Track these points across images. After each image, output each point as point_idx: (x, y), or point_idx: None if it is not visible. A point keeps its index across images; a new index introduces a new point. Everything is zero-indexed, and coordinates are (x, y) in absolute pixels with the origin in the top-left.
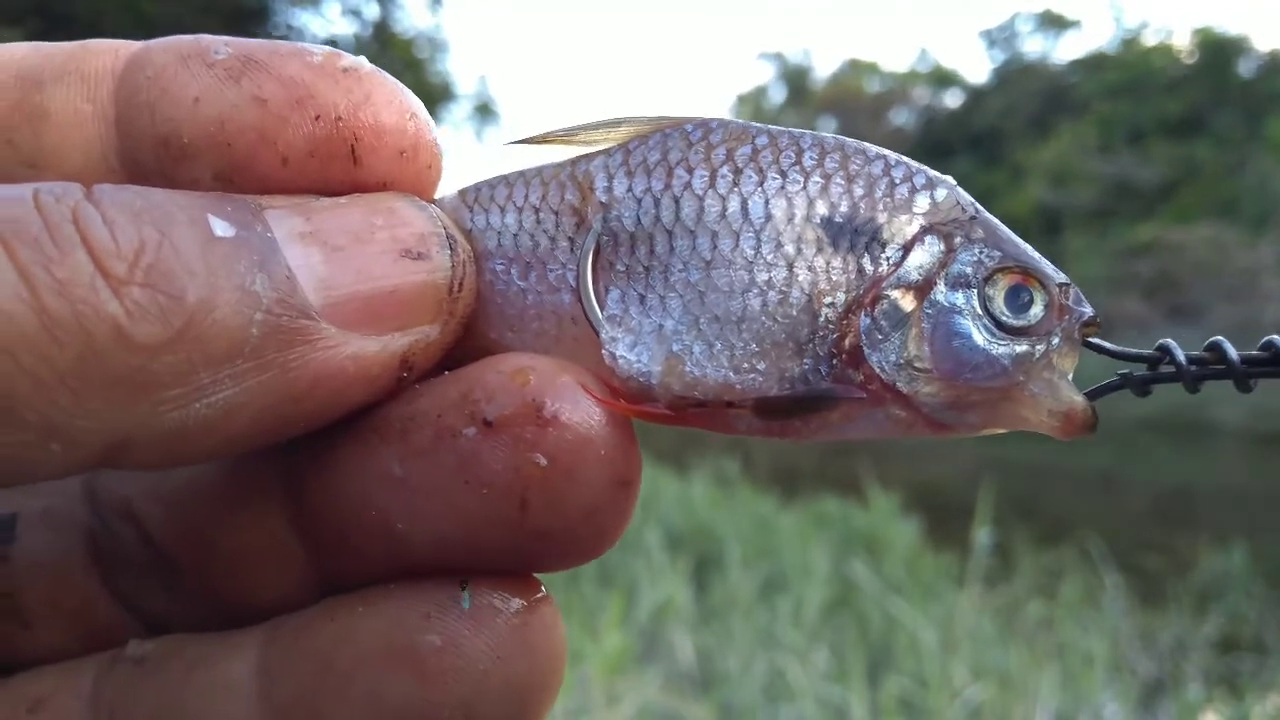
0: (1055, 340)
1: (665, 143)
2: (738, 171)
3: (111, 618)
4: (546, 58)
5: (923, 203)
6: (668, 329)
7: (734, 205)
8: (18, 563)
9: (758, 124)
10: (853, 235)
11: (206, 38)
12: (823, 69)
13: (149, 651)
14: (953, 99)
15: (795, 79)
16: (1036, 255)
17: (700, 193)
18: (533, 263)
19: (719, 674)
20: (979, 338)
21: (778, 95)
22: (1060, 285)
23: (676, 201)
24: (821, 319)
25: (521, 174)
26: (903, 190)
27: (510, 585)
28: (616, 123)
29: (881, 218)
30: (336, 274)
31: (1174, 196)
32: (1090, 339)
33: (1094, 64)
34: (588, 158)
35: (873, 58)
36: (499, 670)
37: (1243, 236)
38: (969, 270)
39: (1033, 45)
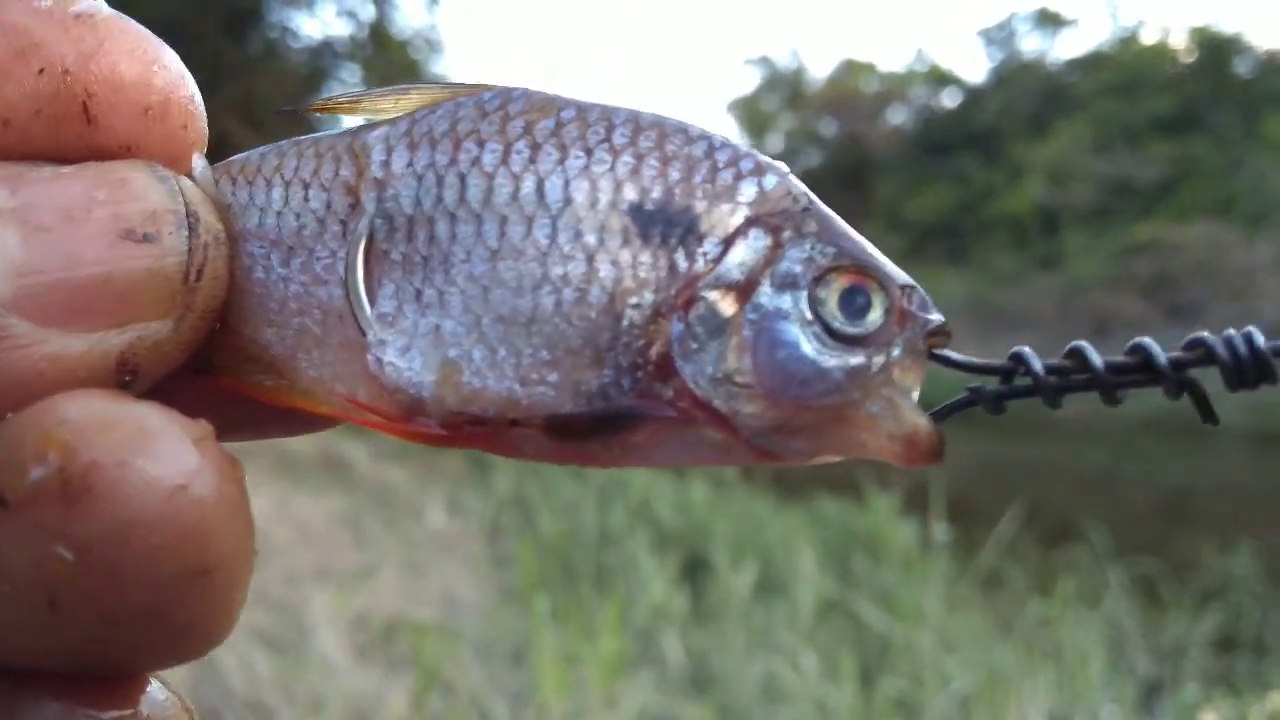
0: (896, 351)
1: (456, 112)
2: (535, 147)
3: None
4: (542, 60)
5: (749, 191)
6: (445, 331)
7: (528, 186)
8: None
9: (567, 96)
10: (665, 225)
11: None
12: (819, 71)
13: None
14: (950, 98)
15: (789, 81)
16: (877, 253)
17: (490, 170)
18: (297, 247)
19: (716, 675)
20: (808, 347)
21: (771, 99)
22: (903, 287)
23: (462, 179)
24: (626, 323)
25: (296, 143)
26: (726, 175)
27: (78, 695)
28: (406, 90)
29: (700, 206)
30: (37, 258)
31: (1172, 195)
32: (937, 350)
33: (1091, 63)
34: (369, 127)
35: (870, 58)
36: None
37: (1240, 235)
38: (798, 269)
39: (1030, 44)
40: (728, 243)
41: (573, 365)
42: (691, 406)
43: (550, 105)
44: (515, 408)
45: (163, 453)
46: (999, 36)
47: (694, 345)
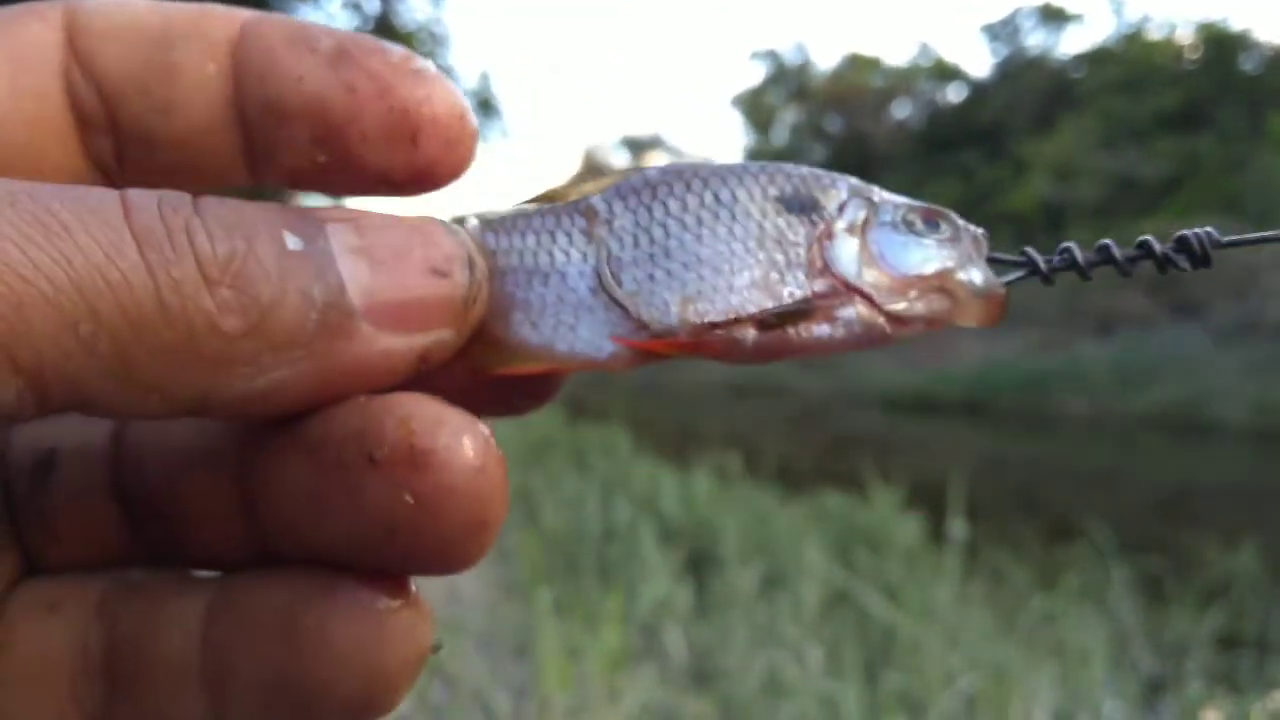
0: (968, 238)
1: (644, 175)
2: (704, 181)
3: (125, 542)
4: (545, 55)
5: (842, 184)
6: (677, 283)
7: (709, 197)
8: (55, 494)
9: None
10: (799, 205)
11: (308, 25)
12: (824, 65)
13: (142, 579)
14: (955, 93)
15: (795, 75)
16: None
17: (681, 196)
18: (551, 273)
19: (719, 670)
20: (913, 241)
21: (776, 93)
22: (953, 214)
23: (665, 205)
24: (793, 254)
25: (538, 209)
26: (825, 179)
27: (381, 586)
28: (599, 174)
29: (817, 193)
30: (378, 284)
31: (1176, 192)
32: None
33: (1097, 59)
34: (584, 197)
35: (874, 53)
36: (357, 657)
37: (1245, 232)
38: (890, 212)
39: (1035, 39)
40: (841, 208)
41: (766, 281)
42: (846, 290)
43: (702, 164)
44: (737, 312)
45: (471, 444)
46: (1003, 32)
47: (838, 255)
